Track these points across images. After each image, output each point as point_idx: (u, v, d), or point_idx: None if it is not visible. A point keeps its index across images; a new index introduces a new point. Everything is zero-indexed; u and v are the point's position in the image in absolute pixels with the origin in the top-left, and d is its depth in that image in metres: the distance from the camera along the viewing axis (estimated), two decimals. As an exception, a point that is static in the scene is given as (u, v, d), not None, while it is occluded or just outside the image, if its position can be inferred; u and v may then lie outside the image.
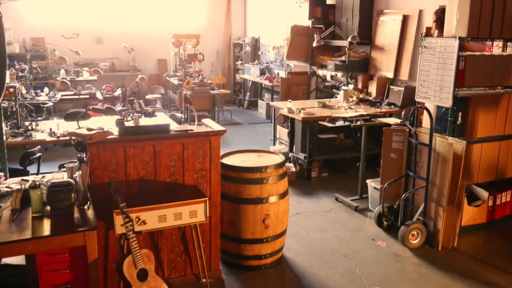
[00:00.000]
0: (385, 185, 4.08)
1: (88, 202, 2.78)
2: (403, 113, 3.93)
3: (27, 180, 3.12)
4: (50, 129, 4.30)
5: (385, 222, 4.14)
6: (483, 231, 4.15)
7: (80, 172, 3.04)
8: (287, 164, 5.65)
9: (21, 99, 4.27)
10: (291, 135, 6.05)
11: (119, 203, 2.58)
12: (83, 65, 9.12)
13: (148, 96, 8.93)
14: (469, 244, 3.94)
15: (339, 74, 7.05)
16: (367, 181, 4.70)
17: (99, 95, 6.98)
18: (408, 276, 3.43)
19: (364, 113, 5.47)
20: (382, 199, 4.16)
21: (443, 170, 3.76)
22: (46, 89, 6.68)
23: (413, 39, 5.95)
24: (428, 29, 5.32)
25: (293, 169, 5.58)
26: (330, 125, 6.47)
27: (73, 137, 2.93)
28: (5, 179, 3.20)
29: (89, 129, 2.94)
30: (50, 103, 5.88)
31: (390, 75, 6.22)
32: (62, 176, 3.14)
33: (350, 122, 5.10)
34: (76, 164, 3.12)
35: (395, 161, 4.17)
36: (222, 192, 3.29)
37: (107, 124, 3.65)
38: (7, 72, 4.28)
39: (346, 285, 3.32)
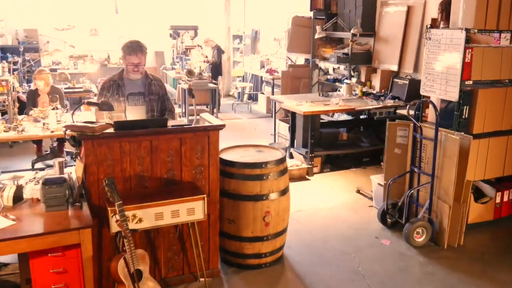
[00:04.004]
0: (389, 181, 3.98)
1: (83, 199, 2.70)
2: (407, 107, 3.83)
3: (20, 176, 3.04)
4: (44, 123, 4.21)
5: (388, 220, 4.04)
6: (490, 229, 4.06)
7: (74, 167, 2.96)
8: (289, 160, 5.55)
9: (14, 93, 4.17)
10: (292, 130, 5.95)
11: (115, 200, 2.51)
12: (78, 57, 8.98)
13: None
14: (476, 242, 3.86)
15: (342, 67, 6.92)
16: (371, 177, 4.60)
17: (94, 89, 6.87)
18: (413, 275, 3.35)
19: (388, 105, 5.36)
20: (386, 196, 4.05)
21: (449, 165, 3.66)
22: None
23: (418, 31, 5.83)
24: (434, 20, 5.20)
25: (295, 166, 5.44)
26: (329, 119, 6.38)
27: (72, 131, 2.81)
28: (-3, 176, 3.11)
29: (86, 123, 2.85)
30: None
31: (394, 67, 6.11)
32: (55, 172, 3.05)
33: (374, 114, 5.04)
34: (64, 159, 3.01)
35: (399, 156, 4.07)
36: (221, 188, 3.21)
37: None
38: (-1, 65, 4.19)
39: (349, 285, 3.24)
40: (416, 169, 3.89)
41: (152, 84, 3.36)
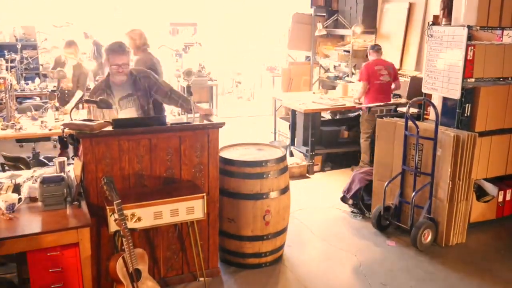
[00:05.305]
0: (386, 184, 3.90)
1: (81, 198, 2.68)
2: (407, 105, 3.79)
3: (18, 175, 3.01)
4: (42, 121, 4.18)
5: (386, 222, 3.95)
6: (492, 228, 4.03)
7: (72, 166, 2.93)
8: (289, 158, 5.52)
9: (11, 91, 4.14)
10: (292, 128, 5.91)
11: (113, 199, 2.48)
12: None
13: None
14: (478, 241, 3.83)
15: (343, 64, 6.88)
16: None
17: (92, 86, 6.81)
18: (415, 275, 3.32)
19: (388, 102, 5.37)
20: (375, 199, 3.96)
21: (450, 165, 3.61)
22: (37, 80, 6.53)
23: (420, 28, 5.79)
24: (435, 17, 5.17)
25: (296, 165, 5.41)
26: (329, 117, 6.35)
27: (70, 129, 2.78)
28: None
29: (85, 121, 2.82)
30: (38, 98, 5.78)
31: (396, 65, 6.05)
32: (53, 171, 3.03)
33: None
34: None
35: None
36: (220, 187, 3.19)
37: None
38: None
39: (350, 284, 3.21)
40: (407, 169, 3.81)
41: (136, 81, 3.28)
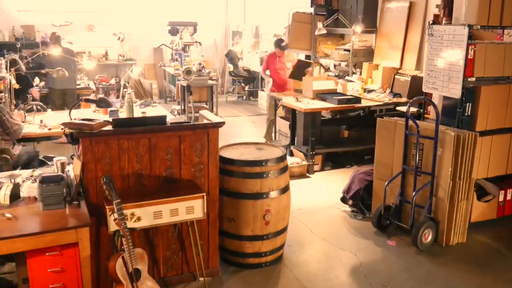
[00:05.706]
0: (386, 183, 3.88)
1: (81, 198, 2.67)
2: (408, 105, 3.78)
3: (18, 175, 3.00)
4: (41, 121, 4.17)
5: (386, 221, 3.94)
6: (493, 228, 4.01)
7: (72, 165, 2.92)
8: (289, 157, 5.51)
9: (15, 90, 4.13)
10: (293, 127, 5.90)
11: (113, 198, 2.47)
12: (75, 54, 8.88)
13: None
14: (479, 241, 3.82)
15: (343, 64, 6.87)
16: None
17: (92, 86, 6.82)
18: (416, 275, 3.31)
19: (388, 102, 5.36)
20: (375, 199, 3.96)
21: (451, 164, 3.60)
22: (36, 79, 6.52)
23: (420, 27, 5.77)
24: (436, 16, 5.15)
25: (296, 164, 5.40)
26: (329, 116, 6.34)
27: (70, 128, 2.77)
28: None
29: (84, 120, 2.81)
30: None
31: (396, 64, 6.05)
32: (53, 170, 3.02)
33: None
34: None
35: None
36: (220, 186, 3.18)
37: (97, 116, 3.52)
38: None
39: (350, 284, 3.21)
40: (408, 168, 3.80)
41: None
